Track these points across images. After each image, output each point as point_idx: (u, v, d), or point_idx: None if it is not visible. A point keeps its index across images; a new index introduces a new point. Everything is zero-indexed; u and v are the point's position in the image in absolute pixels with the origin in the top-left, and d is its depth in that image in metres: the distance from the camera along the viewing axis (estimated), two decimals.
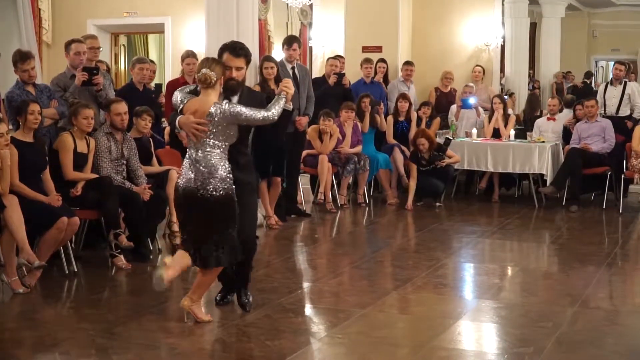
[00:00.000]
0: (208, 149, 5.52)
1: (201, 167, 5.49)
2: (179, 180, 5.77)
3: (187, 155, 5.71)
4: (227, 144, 5.60)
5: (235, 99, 5.75)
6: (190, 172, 5.57)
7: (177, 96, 5.73)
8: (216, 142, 5.53)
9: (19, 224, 6.62)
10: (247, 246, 5.89)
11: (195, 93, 5.74)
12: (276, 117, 5.59)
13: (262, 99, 6.02)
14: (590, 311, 6.48)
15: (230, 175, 5.57)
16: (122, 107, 7.97)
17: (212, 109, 5.44)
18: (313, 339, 5.54)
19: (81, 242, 8.02)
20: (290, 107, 5.86)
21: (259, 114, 5.54)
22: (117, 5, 14.91)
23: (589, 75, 20.26)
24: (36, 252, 6.84)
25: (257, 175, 6.86)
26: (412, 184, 11.07)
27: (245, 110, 5.52)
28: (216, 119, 5.45)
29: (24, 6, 14.40)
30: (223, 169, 5.54)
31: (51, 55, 14.14)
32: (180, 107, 5.61)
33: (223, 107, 5.46)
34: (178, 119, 5.59)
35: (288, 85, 5.77)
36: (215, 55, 5.79)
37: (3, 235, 6.68)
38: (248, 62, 5.90)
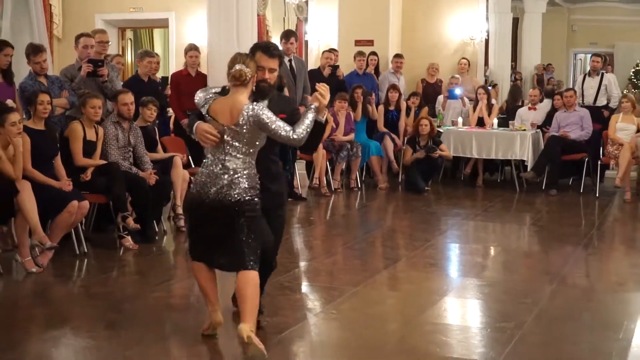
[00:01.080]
0: (233, 154, 4.74)
1: (221, 174, 4.73)
2: (192, 187, 5.07)
3: (207, 159, 4.89)
4: (253, 150, 4.78)
5: (264, 104, 4.84)
6: (206, 178, 4.79)
7: (200, 97, 4.98)
8: (243, 147, 4.73)
9: (32, 207, 6.63)
10: (267, 264, 5.13)
11: (222, 94, 4.96)
12: (302, 142, 4.74)
13: (293, 106, 5.29)
14: (568, 288, 6.52)
15: (257, 185, 4.80)
16: (129, 97, 7.98)
17: (244, 111, 4.65)
18: (309, 315, 5.57)
19: (91, 224, 8.04)
20: (323, 119, 4.84)
21: (285, 132, 4.64)
22: (124, 1, 14.85)
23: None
24: (48, 234, 6.84)
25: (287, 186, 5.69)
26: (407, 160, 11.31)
27: (274, 122, 4.64)
28: (245, 120, 4.65)
29: (35, 1, 14.34)
30: (247, 177, 4.74)
31: (61, 48, 14.09)
32: (206, 108, 4.85)
33: (255, 109, 4.64)
34: (197, 125, 4.82)
35: (323, 93, 4.80)
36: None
37: (17, 218, 6.69)
38: (281, 64, 5.16)
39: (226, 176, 4.71)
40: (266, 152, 4.96)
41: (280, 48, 10.23)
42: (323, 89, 4.78)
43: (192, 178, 5.27)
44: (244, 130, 4.65)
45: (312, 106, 4.76)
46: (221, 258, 4.90)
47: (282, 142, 4.81)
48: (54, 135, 7.37)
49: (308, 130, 4.70)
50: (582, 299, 6.22)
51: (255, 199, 4.76)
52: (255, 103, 4.71)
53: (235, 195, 4.70)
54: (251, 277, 4.73)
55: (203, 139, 4.77)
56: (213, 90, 5.02)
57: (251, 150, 4.77)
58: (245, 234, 4.77)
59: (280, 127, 4.64)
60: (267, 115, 4.64)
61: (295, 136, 4.63)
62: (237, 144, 4.71)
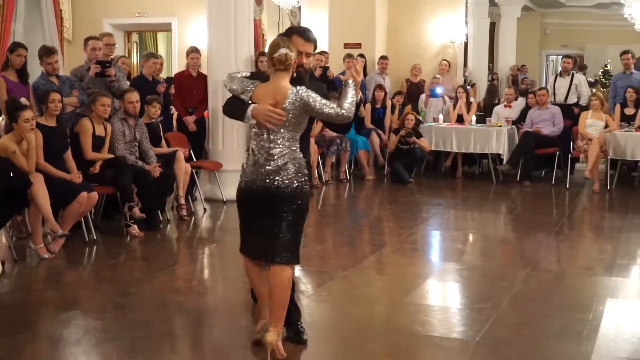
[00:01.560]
0: (278, 141, 4.29)
1: (267, 162, 4.28)
2: (241, 180, 4.43)
3: (250, 150, 4.42)
4: (297, 135, 4.38)
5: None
6: (253, 169, 4.33)
7: (235, 83, 4.42)
8: (287, 132, 4.31)
9: (45, 198, 6.63)
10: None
11: (252, 80, 4.47)
12: (352, 115, 4.29)
13: (324, 91, 4.63)
14: (541, 272, 6.52)
15: (305, 170, 4.38)
16: (135, 96, 7.98)
17: (291, 95, 4.24)
18: (302, 296, 5.54)
19: (99, 213, 8.02)
20: (358, 97, 4.39)
21: (333, 110, 4.25)
22: (130, 7, 14.82)
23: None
24: (60, 222, 6.85)
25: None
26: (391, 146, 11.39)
27: (318, 101, 4.25)
28: (292, 105, 4.24)
29: (47, 6, 14.32)
30: (294, 162, 4.32)
31: (71, 50, 14.05)
32: (249, 94, 4.32)
33: (299, 93, 4.24)
34: (252, 108, 4.25)
35: (359, 70, 4.45)
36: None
37: (30, 208, 6.69)
38: (315, 49, 4.68)
39: (272, 163, 4.28)
40: (302, 138, 4.49)
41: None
42: (359, 65, 4.56)
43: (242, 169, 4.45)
44: (290, 115, 4.24)
45: (350, 82, 4.32)
46: (264, 247, 4.40)
47: (331, 120, 4.38)
48: (64, 131, 7.36)
49: (353, 103, 4.28)
50: (553, 282, 6.24)
51: (306, 187, 4.38)
52: (299, 87, 4.29)
53: (286, 181, 4.30)
54: (284, 274, 4.32)
55: (268, 119, 4.20)
56: (243, 75, 4.56)
57: (296, 136, 4.37)
58: (286, 224, 4.34)
59: (327, 105, 4.27)
60: (313, 97, 4.26)
61: (343, 111, 4.23)
62: (282, 130, 4.27)
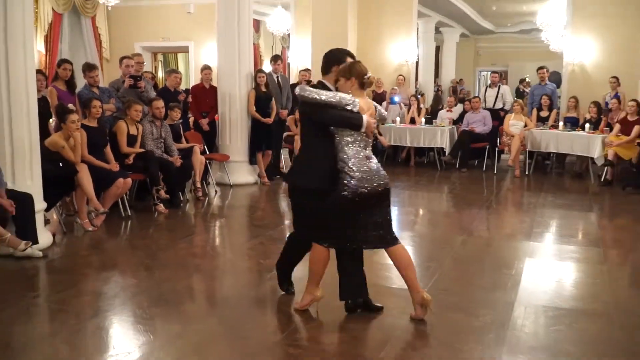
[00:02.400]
0: (370, 144, 4.16)
1: (370, 162, 4.06)
2: (354, 186, 3.97)
3: (355, 156, 4.00)
4: None
5: None
6: (364, 174, 3.98)
7: (338, 95, 3.97)
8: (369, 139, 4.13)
9: (88, 183, 6.64)
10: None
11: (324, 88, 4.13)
12: None
13: None
14: (474, 239, 6.56)
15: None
16: (160, 103, 8.00)
17: (378, 109, 4.20)
18: None
19: (133, 195, 7.98)
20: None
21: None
22: (156, 32, 14.76)
23: (522, 80, 19.91)
24: (101, 202, 6.84)
25: None
26: None
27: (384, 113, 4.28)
28: (378, 116, 4.19)
29: (87, 31, 14.30)
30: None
31: (109, 67, 13.98)
32: (357, 106, 3.95)
33: (378, 108, 4.22)
34: (366, 119, 3.96)
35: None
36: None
37: (77, 191, 6.70)
38: None
39: (373, 162, 4.08)
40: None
41: (271, 68, 10.27)
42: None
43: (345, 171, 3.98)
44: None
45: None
46: (375, 238, 4.14)
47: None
48: (104, 131, 7.34)
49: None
50: (484, 246, 6.28)
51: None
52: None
53: (386, 177, 4.15)
54: (402, 248, 4.26)
55: (373, 129, 4.06)
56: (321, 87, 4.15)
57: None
58: (389, 212, 4.24)
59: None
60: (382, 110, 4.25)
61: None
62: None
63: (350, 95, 3.98)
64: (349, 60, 4.15)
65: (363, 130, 3.98)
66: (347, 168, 3.96)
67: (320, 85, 4.16)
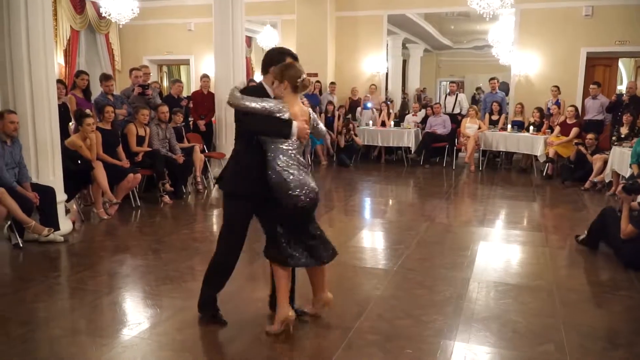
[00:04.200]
0: (301, 152, 3.46)
1: (306, 172, 3.40)
2: (291, 195, 3.29)
3: (288, 165, 3.31)
4: None
5: None
6: (300, 182, 3.31)
7: (267, 103, 3.26)
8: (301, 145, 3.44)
9: (103, 178, 6.62)
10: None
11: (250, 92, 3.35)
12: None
13: None
14: (436, 225, 6.59)
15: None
16: (165, 108, 7.98)
17: (311, 114, 3.49)
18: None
19: (142, 188, 7.95)
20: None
21: (324, 128, 3.71)
22: (161, 47, 14.65)
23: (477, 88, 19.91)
24: (114, 194, 6.81)
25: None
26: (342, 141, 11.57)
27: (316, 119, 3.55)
28: (312, 122, 3.51)
29: (102, 46, 14.25)
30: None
31: (120, 77, 13.83)
32: (287, 113, 3.27)
33: (312, 114, 3.52)
34: (296, 125, 3.27)
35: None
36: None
37: (93, 185, 6.68)
38: None
39: (307, 170, 3.41)
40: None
41: (260, 78, 10.20)
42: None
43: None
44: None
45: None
46: (324, 252, 3.51)
47: (323, 136, 3.71)
48: (116, 133, 7.29)
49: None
50: (444, 231, 6.31)
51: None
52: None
53: (316, 186, 3.42)
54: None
55: (306, 135, 3.37)
56: (239, 88, 3.36)
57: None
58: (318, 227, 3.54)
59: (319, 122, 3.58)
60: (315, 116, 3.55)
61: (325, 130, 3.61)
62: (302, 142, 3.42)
63: (279, 102, 3.29)
64: (289, 60, 3.41)
65: (294, 138, 3.31)
66: (287, 177, 3.30)
67: (260, 88, 3.44)
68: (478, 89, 19.60)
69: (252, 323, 3.69)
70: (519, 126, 10.94)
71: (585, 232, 5.58)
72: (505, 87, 13.30)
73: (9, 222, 5.44)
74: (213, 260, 3.66)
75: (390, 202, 8.39)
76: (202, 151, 8.85)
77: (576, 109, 10.19)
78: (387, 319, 3.78)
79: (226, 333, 3.60)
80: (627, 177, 7.20)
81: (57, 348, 3.36)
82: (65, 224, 5.88)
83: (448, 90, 12.98)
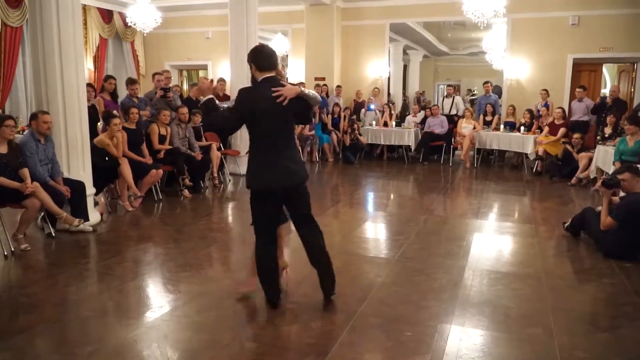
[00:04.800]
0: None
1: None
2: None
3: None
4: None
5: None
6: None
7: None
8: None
9: (128, 173, 6.62)
10: None
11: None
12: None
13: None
14: (434, 217, 6.57)
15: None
16: (185, 109, 7.93)
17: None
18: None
19: (164, 182, 7.94)
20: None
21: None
22: (182, 54, 14.65)
23: (469, 91, 19.87)
24: (138, 188, 6.82)
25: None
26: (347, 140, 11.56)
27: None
28: None
29: (127, 52, 14.25)
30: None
31: (144, 81, 13.83)
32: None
33: None
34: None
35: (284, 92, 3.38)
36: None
37: (119, 179, 6.70)
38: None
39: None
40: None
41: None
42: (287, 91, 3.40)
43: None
44: None
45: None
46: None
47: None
48: (140, 132, 7.28)
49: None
50: (441, 223, 6.29)
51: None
52: None
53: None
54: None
55: None
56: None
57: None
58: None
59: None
60: None
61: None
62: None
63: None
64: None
65: None
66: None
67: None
68: (469, 90, 19.54)
69: (265, 307, 3.69)
70: (511, 126, 10.89)
71: (569, 220, 5.67)
72: (498, 90, 13.23)
73: (42, 214, 5.47)
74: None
75: (392, 196, 8.37)
76: (219, 149, 8.84)
77: (563, 111, 10.15)
78: (388, 304, 3.77)
79: (241, 315, 3.61)
80: (610, 173, 7.15)
81: (87, 328, 3.38)
82: (94, 215, 5.90)
83: (445, 93, 12.93)
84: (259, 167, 3.43)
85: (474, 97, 18.23)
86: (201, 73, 16.81)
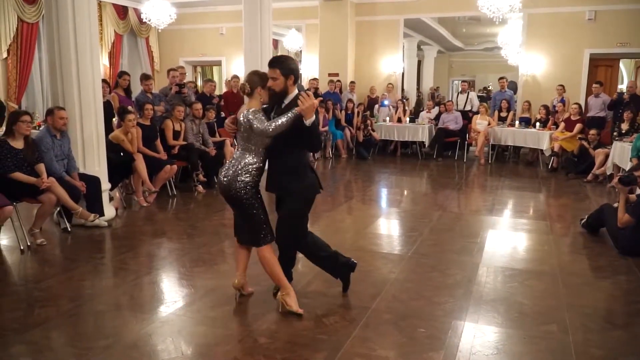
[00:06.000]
0: (241, 150, 3.45)
1: (233, 164, 3.44)
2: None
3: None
4: (261, 148, 3.43)
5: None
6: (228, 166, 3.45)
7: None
8: (247, 144, 3.42)
9: (143, 169, 6.66)
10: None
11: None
12: (270, 130, 3.27)
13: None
14: (448, 213, 6.53)
15: (250, 180, 3.41)
16: (199, 105, 7.93)
17: (240, 115, 3.41)
18: None
19: (178, 178, 8.00)
20: (307, 122, 3.26)
21: (262, 126, 3.28)
22: (196, 50, 14.70)
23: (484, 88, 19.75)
24: (153, 183, 6.85)
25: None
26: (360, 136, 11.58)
27: (256, 122, 3.30)
28: (242, 124, 3.38)
29: (142, 48, 14.30)
30: (246, 171, 3.40)
31: (159, 77, 13.91)
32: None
33: (246, 115, 3.35)
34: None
35: (302, 100, 3.24)
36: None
37: (134, 175, 6.73)
38: (283, 73, 3.37)
39: (233, 166, 3.50)
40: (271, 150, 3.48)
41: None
42: (303, 97, 3.26)
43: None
44: (244, 130, 3.40)
45: (295, 110, 3.27)
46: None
47: (265, 136, 3.33)
48: (155, 128, 7.32)
49: (282, 124, 3.27)
50: (455, 219, 6.25)
51: (240, 187, 3.43)
52: (251, 110, 3.37)
53: (237, 185, 3.45)
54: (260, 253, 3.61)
55: (227, 129, 3.60)
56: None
57: (260, 149, 3.44)
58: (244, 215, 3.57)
59: (260, 124, 3.30)
60: (253, 119, 3.33)
61: (266, 126, 3.29)
62: (242, 139, 3.44)
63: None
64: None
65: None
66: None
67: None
68: (484, 88, 19.37)
69: (279, 303, 3.69)
70: (526, 122, 10.79)
71: (586, 216, 5.65)
72: (513, 86, 13.10)
73: (58, 209, 5.52)
74: None
75: (405, 192, 8.34)
76: (232, 145, 8.87)
77: (580, 107, 10.03)
78: (401, 300, 3.76)
79: (255, 310, 3.62)
80: (627, 170, 7.05)
81: (102, 321, 3.41)
82: (109, 210, 5.94)
83: (460, 89, 12.83)
84: (310, 175, 3.61)
85: (481, 95, 18.08)
86: (215, 69, 16.90)
